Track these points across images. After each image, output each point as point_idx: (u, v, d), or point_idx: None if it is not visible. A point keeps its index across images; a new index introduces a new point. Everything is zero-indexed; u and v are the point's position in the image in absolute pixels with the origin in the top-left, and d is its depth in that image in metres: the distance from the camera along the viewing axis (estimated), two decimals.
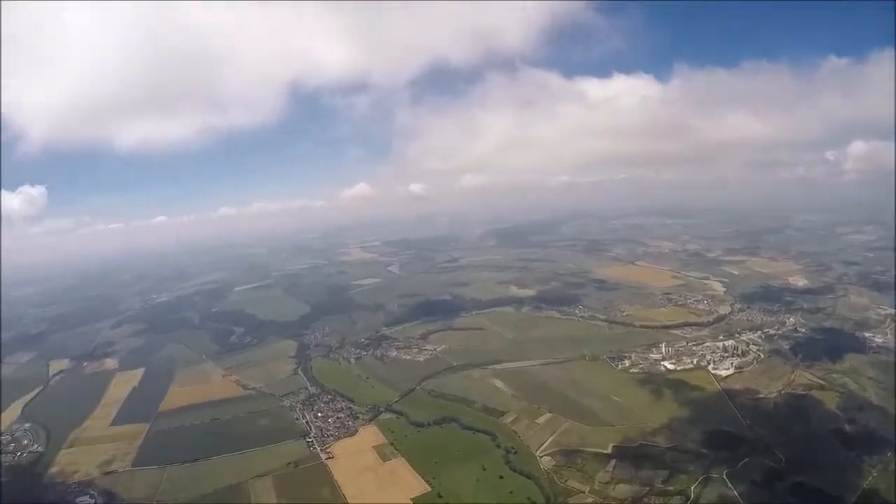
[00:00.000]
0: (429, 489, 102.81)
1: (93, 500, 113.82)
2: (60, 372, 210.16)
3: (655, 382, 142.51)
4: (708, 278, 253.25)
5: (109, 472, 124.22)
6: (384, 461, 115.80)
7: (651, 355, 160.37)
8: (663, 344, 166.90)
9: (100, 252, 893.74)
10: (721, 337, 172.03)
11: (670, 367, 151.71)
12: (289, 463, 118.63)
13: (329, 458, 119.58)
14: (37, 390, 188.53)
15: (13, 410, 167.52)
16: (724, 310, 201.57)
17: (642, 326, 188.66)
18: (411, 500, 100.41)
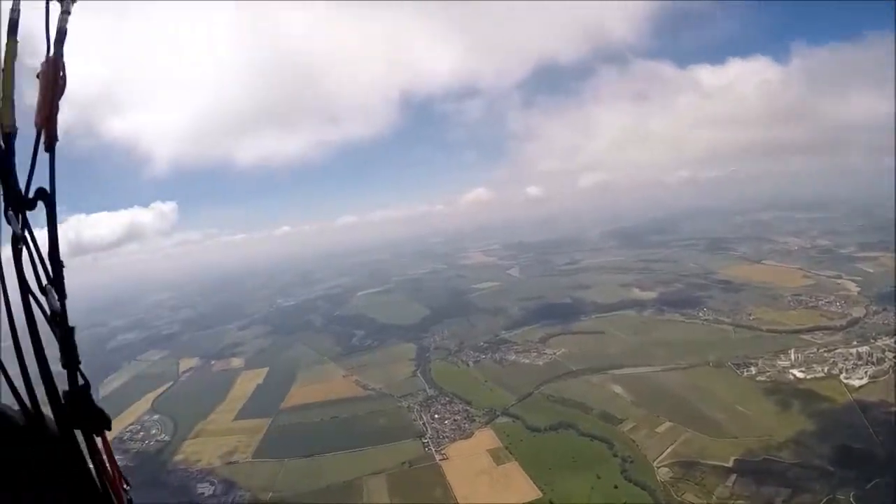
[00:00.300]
0: (541, 495, 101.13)
1: (213, 487, 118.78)
2: (189, 369, 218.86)
3: (783, 392, 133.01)
4: (840, 277, 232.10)
5: (230, 463, 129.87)
6: (498, 465, 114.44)
7: (779, 362, 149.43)
8: (792, 350, 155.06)
9: (227, 261, 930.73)
10: (855, 342, 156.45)
11: (799, 375, 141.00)
12: (403, 462, 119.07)
13: (443, 459, 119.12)
14: (166, 385, 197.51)
15: (144, 402, 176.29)
16: (858, 312, 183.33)
17: (770, 331, 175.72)
18: None
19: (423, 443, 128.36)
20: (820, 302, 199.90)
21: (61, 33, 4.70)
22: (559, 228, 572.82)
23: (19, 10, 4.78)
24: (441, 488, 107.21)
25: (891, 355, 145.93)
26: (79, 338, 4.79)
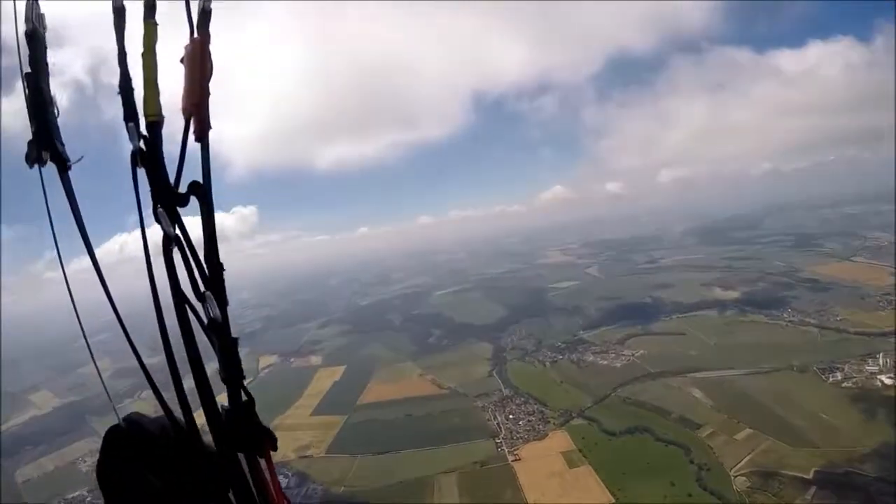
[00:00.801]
0: (612, 500, 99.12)
1: (287, 479, 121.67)
2: (269, 366, 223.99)
3: (870, 400, 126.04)
4: None
5: (305, 457, 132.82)
6: (571, 468, 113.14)
7: (866, 367, 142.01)
8: (881, 354, 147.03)
9: (307, 261, 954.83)
10: None
11: (888, 381, 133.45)
12: (475, 462, 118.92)
13: (515, 460, 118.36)
14: (247, 381, 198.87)
15: (222, 398, 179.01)
16: None
17: (858, 333, 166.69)
18: None
19: (497, 443, 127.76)
20: None
21: (206, 13, 4.19)
22: (639, 226, 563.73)
23: None
24: (512, 489, 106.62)
25: None
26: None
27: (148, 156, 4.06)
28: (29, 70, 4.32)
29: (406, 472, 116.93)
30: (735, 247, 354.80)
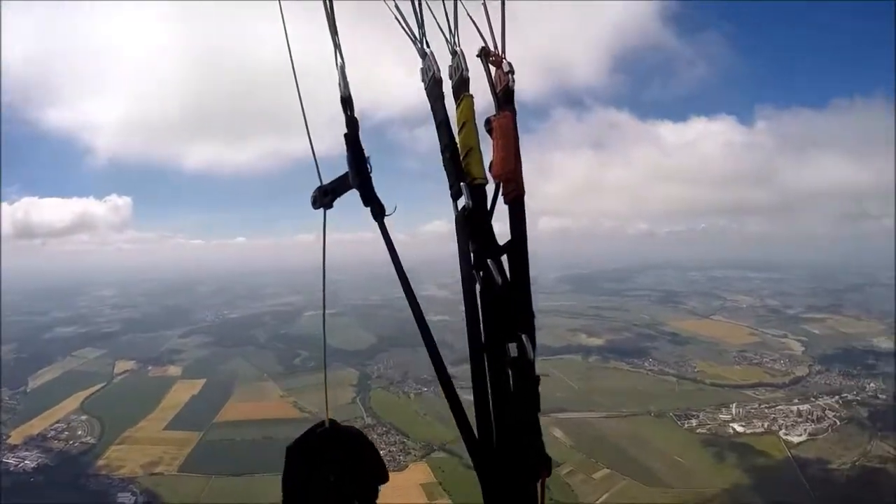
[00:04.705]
0: None
1: (134, 498, 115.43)
2: (125, 372, 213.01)
3: (721, 445, 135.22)
4: (786, 336, 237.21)
5: (155, 474, 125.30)
6: (430, 500, 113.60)
7: (720, 415, 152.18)
8: (734, 404, 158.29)
9: (178, 265, 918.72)
10: (796, 400, 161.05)
11: (739, 429, 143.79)
12: None
13: None
14: (99, 386, 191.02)
15: (73, 401, 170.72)
16: (801, 371, 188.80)
17: (713, 384, 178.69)
18: None
19: None
20: (764, 359, 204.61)
21: (509, 93, 5.05)
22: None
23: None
24: None
25: (831, 414, 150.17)
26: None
27: (473, 213, 4.55)
28: (346, 131, 4.94)
29: (262, 496, 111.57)
30: (605, 297, 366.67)
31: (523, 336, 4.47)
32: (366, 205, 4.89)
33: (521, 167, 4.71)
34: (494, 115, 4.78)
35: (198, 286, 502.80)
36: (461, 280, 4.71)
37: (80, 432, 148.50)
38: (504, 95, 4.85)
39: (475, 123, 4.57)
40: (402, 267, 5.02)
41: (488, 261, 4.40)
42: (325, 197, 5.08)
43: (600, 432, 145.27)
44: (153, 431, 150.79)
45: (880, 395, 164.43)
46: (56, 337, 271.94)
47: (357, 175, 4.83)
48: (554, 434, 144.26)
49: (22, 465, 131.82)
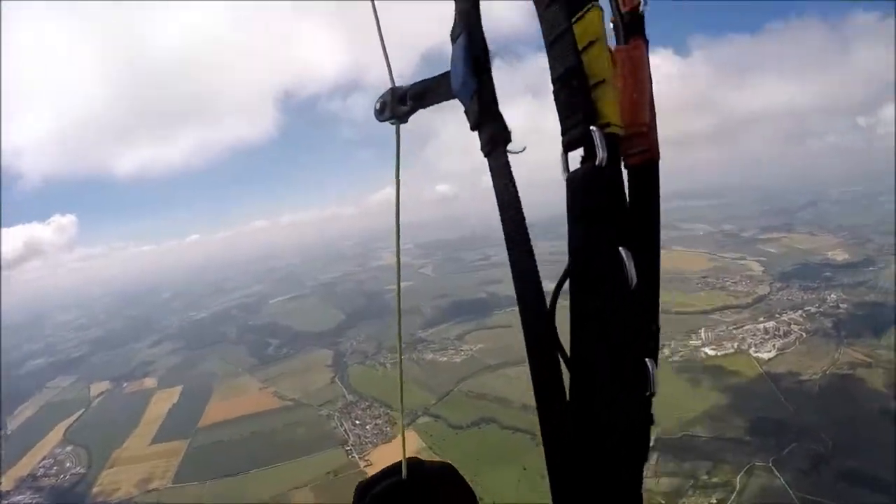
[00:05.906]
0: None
1: None
2: (101, 394, 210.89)
3: (695, 370, 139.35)
4: (745, 258, 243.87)
5: (151, 490, 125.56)
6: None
7: (691, 342, 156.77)
8: (702, 329, 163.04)
9: (134, 274, 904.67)
10: (762, 318, 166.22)
11: (711, 353, 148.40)
12: (328, 472, 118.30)
13: (367, 465, 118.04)
14: (78, 413, 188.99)
15: (56, 433, 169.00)
16: (763, 290, 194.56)
17: (679, 312, 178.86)
18: None
19: (347, 450, 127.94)
20: (726, 282, 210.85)
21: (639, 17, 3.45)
22: (469, 225, 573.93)
23: None
24: None
25: (797, 328, 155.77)
26: None
27: (608, 174, 2.80)
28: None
29: (259, 492, 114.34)
30: (561, 241, 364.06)
31: (648, 362, 2.95)
32: (475, 128, 3.25)
33: (655, 121, 3.38)
34: (619, 46, 3.34)
35: (158, 293, 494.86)
36: (570, 272, 2.94)
37: (68, 464, 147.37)
38: (632, 20, 3.35)
39: (607, 45, 2.87)
40: (522, 215, 2.99)
41: (620, 249, 2.71)
42: (401, 105, 3.67)
43: None
44: (140, 448, 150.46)
45: (841, 305, 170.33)
46: (28, 371, 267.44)
47: (473, 75, 3.15)
48: (520, 376, 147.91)
49: None
